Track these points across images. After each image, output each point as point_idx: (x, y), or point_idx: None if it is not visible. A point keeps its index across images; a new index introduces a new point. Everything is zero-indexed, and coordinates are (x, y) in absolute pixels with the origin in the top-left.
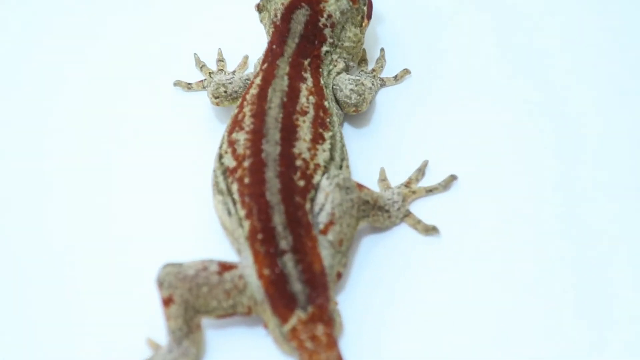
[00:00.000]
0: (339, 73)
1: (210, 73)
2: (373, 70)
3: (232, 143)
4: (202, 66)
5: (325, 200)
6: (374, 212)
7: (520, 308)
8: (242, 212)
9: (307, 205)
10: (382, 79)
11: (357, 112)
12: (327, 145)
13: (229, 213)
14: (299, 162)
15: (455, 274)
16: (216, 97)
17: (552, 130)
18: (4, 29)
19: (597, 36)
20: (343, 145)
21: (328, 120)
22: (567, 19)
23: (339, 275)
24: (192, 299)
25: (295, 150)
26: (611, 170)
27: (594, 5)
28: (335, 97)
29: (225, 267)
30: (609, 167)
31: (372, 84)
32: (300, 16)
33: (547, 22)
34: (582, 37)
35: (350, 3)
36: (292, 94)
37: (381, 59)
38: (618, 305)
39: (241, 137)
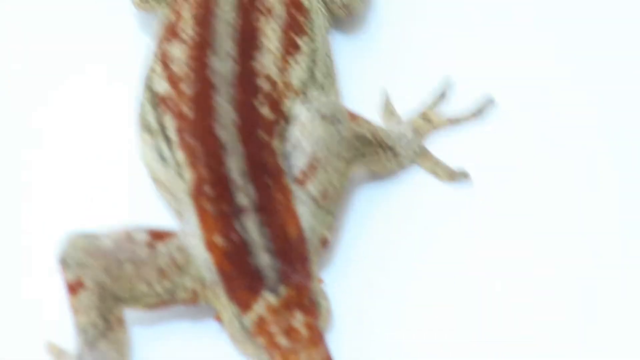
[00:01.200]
0: None
1: None
2: None
3: (165, 59)
4: None
5: (303, 136)
6: (374, 151)
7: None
8: (182, 157)
9: (276, 143)
10: None
11: (349, 14)
12: (304, 58)
13: (163, 159)
14: (263, 83)
15: (492, 238)
16: None
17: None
18: None
19: None
20: (328, 57)
21: (306, 21)
22: None
23: (325, 243)
24: (111, 283)
25: (257, 66)
26: None
27: None
28: None
29: (158, 235)
30: None
31: None
32: None
33: None
34: None
35: None
36: None
37: None
38: None
39: (178, 50)
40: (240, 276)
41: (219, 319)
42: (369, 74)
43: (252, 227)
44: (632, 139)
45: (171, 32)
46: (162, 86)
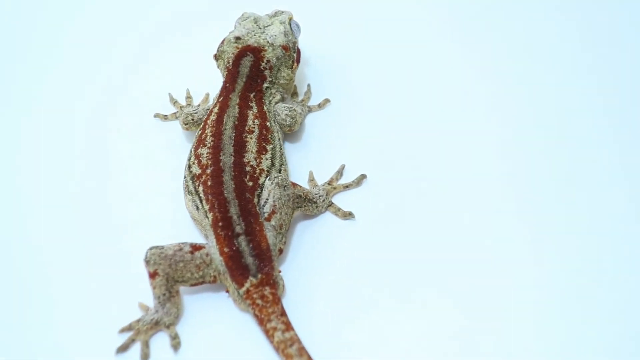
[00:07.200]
0: (277, 102)
1: (181, 107)
2: (302, 100)
3: (197, 156)
4: (174, 102)
5: (269, 196)
6: (305, 203)
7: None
8: (207, 207)
9: (255, 200)
10: (309, 107)
11: (291, 131)
12: (269, 155)
13: (197, 208)
14: (248, 168)
15: (366, 246)
16: (186, 124)
17: (439, 137)
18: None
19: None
20: (282, 155)
21: (270, 136)
22: (466, 44)
23: (280, 251)
24: (172, 272)
25: (245, 160)
26: (495, 161)
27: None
28: (274, 120)
29: (196, 247)
30: (494, 157)
31: (302, 110)
32: (247, 62)
33: (445, 63)
34: (485, 63)
35: (284, 51)
36: (242, 118)
37: (308, 91)
38: (515, 277)
39: (204, 151)
40: (237, 269)
41: (227, 291)
42: (303, 163)
43: (243, 243)
44: (477, 194)
45: (201, 142)
46: (197, 170)
